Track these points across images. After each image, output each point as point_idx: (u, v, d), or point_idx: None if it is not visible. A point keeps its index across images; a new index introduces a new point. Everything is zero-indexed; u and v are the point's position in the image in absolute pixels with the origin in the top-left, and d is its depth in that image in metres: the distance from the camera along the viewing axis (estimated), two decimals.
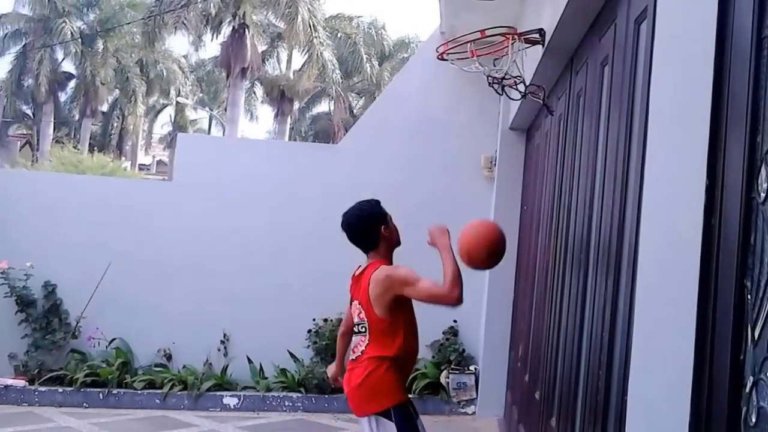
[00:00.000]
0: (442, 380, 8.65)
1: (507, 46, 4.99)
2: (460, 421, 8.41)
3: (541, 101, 5.26)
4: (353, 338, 4.37)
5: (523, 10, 6.62)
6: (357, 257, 8.76)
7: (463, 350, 8.83)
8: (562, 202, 4.78)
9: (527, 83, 5.40)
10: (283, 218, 9.16)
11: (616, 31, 3.56)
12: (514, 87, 5.27)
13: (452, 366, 8.71)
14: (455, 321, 8.95)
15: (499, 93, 5.39)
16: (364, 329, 4.28)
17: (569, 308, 4.26)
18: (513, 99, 5.79)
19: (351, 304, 4.49)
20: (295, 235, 9.14)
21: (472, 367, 8.71)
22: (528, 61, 5.21)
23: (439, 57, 5.13)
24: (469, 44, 4.80)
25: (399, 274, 4.38)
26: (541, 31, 4.81)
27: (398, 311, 4.27)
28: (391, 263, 4.60)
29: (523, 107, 6.66)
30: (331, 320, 8.80)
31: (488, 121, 8.56)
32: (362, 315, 4.30)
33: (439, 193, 9.04)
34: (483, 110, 8.55)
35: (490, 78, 5.25)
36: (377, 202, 4.83)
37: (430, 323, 8.78)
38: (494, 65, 5.35)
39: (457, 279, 4.26)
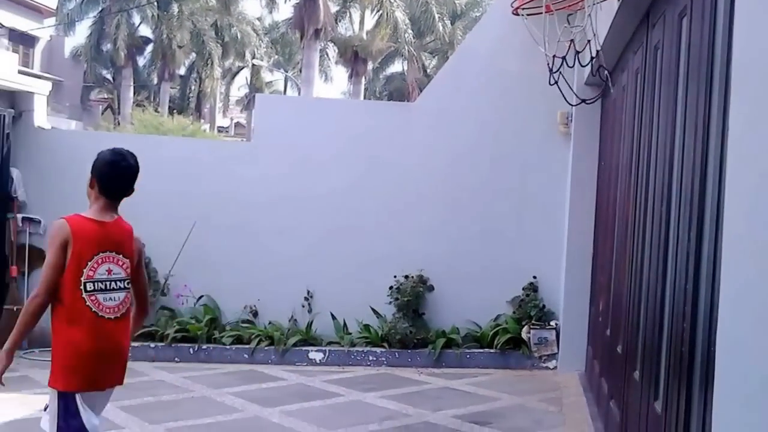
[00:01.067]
0: (524, 335, 8.78)
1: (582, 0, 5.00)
2: (541, 375, 8.55)
3: (604, 77, 5.21)
4: (107, 294, 3.88)
5: None
6: (437, 217, 8.92)
7: (543, 306, 8.93)
8: (641, 155, 4.81)
9: (600, 43, 5.36)
10: (361, 176, 9.34)
11: None
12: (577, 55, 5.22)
13: (533, 321, 8.82)
14: (535, 277, 9.05)
15: (553, 80, 5.31)
16: (127, 285, 3.97)
17: (651, 261, 4.32)
18: (582, 65, 5.77)
19: (97, 256, 3.87)
20: (373, 192, 9.31)
21: (552, 322, 8.81)
22: (602, 16, 5.19)
23: (514, 12, 5.16)
24: None
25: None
26: None
27: None
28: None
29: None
30: (412, 276, 8.99)
31: (565, 75, 8.49)
32: (128, 270, 3.96)
33: (515, 149, 9.12)
34: (557, 64, 8.53)
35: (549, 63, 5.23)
36: None
37: (510, 279, 8.99)
38: (568, 22, 5.36)
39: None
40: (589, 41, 4.99)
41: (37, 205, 9.48)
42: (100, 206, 4.00)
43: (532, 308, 8.91)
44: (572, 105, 6.15)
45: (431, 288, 9.12)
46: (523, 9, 4.97)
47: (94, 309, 3.80)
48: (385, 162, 9.30)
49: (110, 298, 3.85)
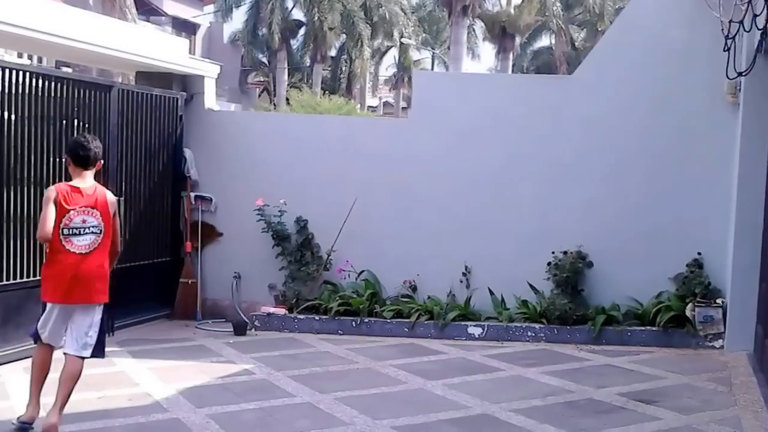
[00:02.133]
0: (688, 313, 8.42)
1: None
2: (707, 354, 8.18)
3: None
4: (79, 237, 5.39)
5: None
6: (597, 192, 8.64)
7: (709, 283, 8.53)
8: None
9: None
10: (518, 150, 9.17)
11: None
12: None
13: (698, 299, 8.43)
14: (699, 253, 8.66)
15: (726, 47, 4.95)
16: (99, 231, 5.45)
17: None
18: (759, 29, 5.37)
19: (74, 210, 5.37)
20: (530, 166, 9.13)
21: (718, 300, 8.40)
22: None
23: None
24: None
25: None
26: None
27: None
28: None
29: None
30: (571, 252, 8.79)
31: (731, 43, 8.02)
32: (99, 220, 5.45)
33: (678, 121, 8.75)
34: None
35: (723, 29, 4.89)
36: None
37: (673, 255, 8.65)
38: None
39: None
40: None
41: (208, 183, 9.85)
42: (76, 176, 5.48)
43: (696, 285, 8.52)
44: (741, 74, 5.74)
45: (590, 264, 8.88)
46: None
47: (67, 247, 5.33)
48: (542, 136, 9.10)
49: (82, 240, 5.39)
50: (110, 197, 5.61)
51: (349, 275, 9.38)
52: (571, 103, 9.07)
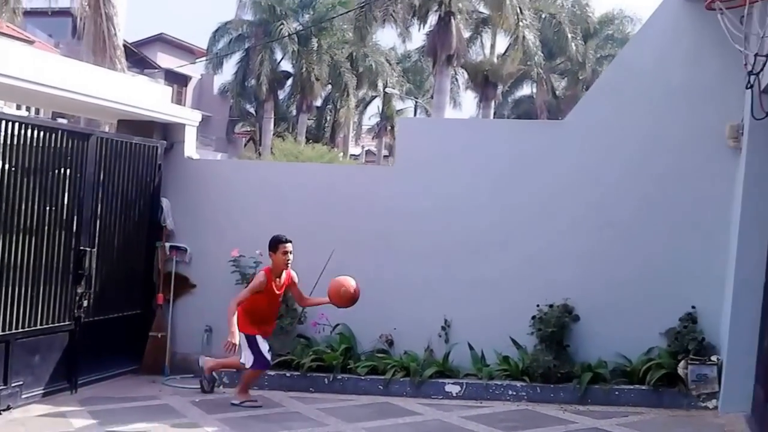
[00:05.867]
0: (680, 371, 7.74)
1: None
2: (700, 416, 7.49)
3: None
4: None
5: None
6: (585, 241, 8.10)
7: (703, 338, 7.87)
8: None
9: None
10: (507, 200, 8.59)
11: None
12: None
13: (691, 356, 7.76)
14: (693, 307, 8.01)
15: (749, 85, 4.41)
16: None
17: None
18: None
19: None
20: (519, 217, 8.54)
21: (713, 358, 7.74)
22: None
23: (708, 6, 4.31)
24: None
25: (252, 282, 7.76)
26: None
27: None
28: (272, 274, 7.72)
29: None
30: (557, 306, 8.15)
31: (733, 85, 7.46)
32: None
33: (675, 168, 8.16)
34: (727, 74, 7.53)
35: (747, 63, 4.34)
36: (275, 237, 7.78)
37: (664, 309, 8.02)
38: (740, 23, 4.45)
39: (230, 312, 7.55)
40: None
41: (184, 233, 9.35)
42: None
43: (689, 341, 7.84)
44: (756, 118, 5.16)
45: (577, 318, 8.23)
46: (722, 1, 4.08)
47: None
48: (531, 184, 8.51)
49: None
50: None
51: (323, 329, 8.75)
52: (561, 149, 8.51)
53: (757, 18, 4.60)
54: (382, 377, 8.21)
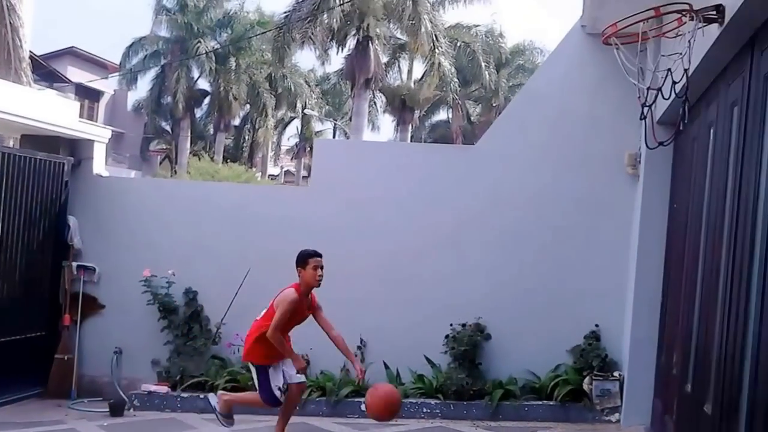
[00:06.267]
0: (585, 387, 7.99)
1: (673, 29, 4.36)
2: (604, 429, 7.73)
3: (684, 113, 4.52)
4: None
5: None
6: (496, 263, 8.28)
7: (606, 355, 8.13)
8: (745, 195, 4.08)
9: (689, 73, 4.65)
10: (420, 221, 8.70)
11: None
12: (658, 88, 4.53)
13: (595, 372, 8.02)
14: (597, 325, 8.28)
15: (642, 116, 4.64)
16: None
17: (764, 315, 3.59)
18: (665, 99, 5.04)
19: None
20: (432, 238, 8.66)
21: (616, 373, 8.01)
22: (696, 46, 4.51)
23: (604, 41, 4.52)
24: (641, 24, 4.16)
25: (281, 304, 6.48)
26: (719, 8, 4.13)
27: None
28: (302, 292, 6.63)
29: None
30: (470, 325, 8.29)
31: (632, 116, 7.80)
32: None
33: (581, 191, 8.42)
34: (626, 105, 7.85)
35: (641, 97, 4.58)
36: (303, 252, 6.74)
37: (571, 327, 8.24)
38: (637, 57, 4.68)
39: (276, 341, 6.46)
40: (686, 70, 4.31)
41: (93, 252, 9.12)
42: None
43: (594, 358, 8.11)
44: (649, 147, 5.42)
45: (488, 336, 8.39)
46: (617, 37, 4.29)
47: None
48: (444, 206, 8.64)
49: None
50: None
51: (239, 349, 8.60)
52: (473, 172, 8.68)
53: (651, 53, 4.86)
54: None
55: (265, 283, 8.50)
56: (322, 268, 6.61)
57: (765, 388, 3.50)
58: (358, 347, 8.58)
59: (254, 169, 34.32)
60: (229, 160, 33.62)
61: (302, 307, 6.60)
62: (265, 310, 6.61)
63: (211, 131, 40.27)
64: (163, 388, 8.33)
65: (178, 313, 8.75)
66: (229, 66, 36.31)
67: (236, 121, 40.87)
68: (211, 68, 35.96)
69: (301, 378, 6.76)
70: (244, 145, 42.08)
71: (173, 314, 8.73)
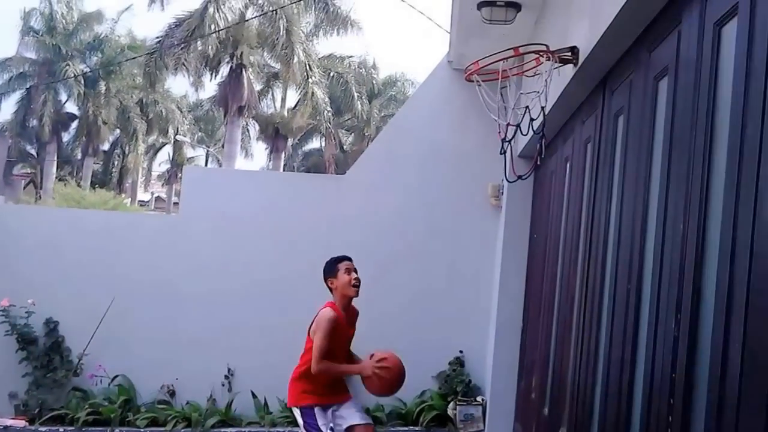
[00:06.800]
0: (449, 412, 8.10)
1: (531, 68, 4.52)
2: None
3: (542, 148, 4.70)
4: None
5: (542, 31, 6.15)
6: (366, 290, 8.25)
7: (470, 381, 8.29)
8: (597, 228, 4.26)
9: (546, 110, 4.83)
10: (289, 249, 8.61)
11: (680, 40, 3.05)
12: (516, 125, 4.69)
13: (459, 397, 8.15)
14: (461, 351, 8.42)
15: (503, 150, 4.77)
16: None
17: (613, 341, 3.73)
18: (536, 133, 5.22)
19: None
20: (301, 266, 8.55)
21: (479, 398, 8.16)
22: (552, 85, 4.71)
23: (467, 78, 4.63)
24: (501, 63, 4.30)
25: (320, 325, 5.30)
26: (573, 49, 4.32)
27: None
28: (341, 307, 5.52)
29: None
30: None
31: (495, 149, 8.01)
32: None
33: (447, 222, 8.55)
34: (489, 139, 8.03)
35: (500, 132, 4.73)
36: (330, 259, 5.69)
37: (437, 353, 8.32)
38: (501, 94, 4.83)
39: (326, 370, 5.33)
40: (543, 108, 4.47)
41: None
42: None
43: (458, 383, 8.25)
44: (509, 181, 5.60)
45: None
46: (479, 74, 4.40)
47: None
48: (314, 235, 8.57)
49: None
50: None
51: (101, 381, 8.26)
52: (344, 202, 8.67)
53: (511, 91, 5.03)
54: (163, 429, 7.89)
55: (131, 311, 8.26)
56: (355, 270, 5.58)
57: (613, 411, 3.63)
58: (225, 376, 8.40)
59: (123, 195, 33.21)
60: (97, 186, 32.41)
61: (343, 324, 5.47)
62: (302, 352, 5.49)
63: (79, 156, 38.76)
64: (21, 423, 7.86)
65: (38, 344, 8.28)
66: (98, 90, 35.12)
67: (105, 146, 39.54)
68: (79, 92, 34.65)
69: (367, 419, 5.49)
70: (114, 170, 40.75)
71: (32, 345, 8.25)
